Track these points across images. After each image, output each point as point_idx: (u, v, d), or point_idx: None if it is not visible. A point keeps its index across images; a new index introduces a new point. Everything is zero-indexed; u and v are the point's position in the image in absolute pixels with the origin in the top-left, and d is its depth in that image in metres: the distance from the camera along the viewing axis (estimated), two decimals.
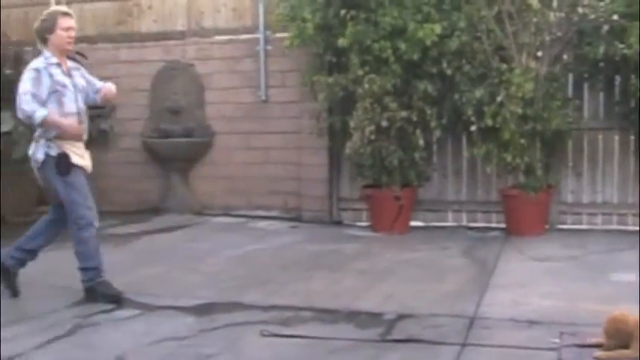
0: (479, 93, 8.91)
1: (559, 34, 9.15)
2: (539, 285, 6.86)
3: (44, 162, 6.52)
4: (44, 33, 6.62)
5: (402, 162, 9.38)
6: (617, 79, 9.51)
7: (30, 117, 6.32)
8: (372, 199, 9.76)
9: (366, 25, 9.10)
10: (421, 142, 9.33)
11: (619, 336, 4.80)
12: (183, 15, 11.40)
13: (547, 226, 9.53)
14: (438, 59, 9.08)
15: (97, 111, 10.40)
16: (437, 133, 9.41)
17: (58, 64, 6.59)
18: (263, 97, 10.86)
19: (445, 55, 9.05)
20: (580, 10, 9.11)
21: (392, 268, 7.67)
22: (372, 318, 5.97)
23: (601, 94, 9.69)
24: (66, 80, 6.59)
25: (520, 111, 8.76)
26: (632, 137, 9.56)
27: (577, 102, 9.57)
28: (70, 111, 6.53)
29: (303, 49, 9.88)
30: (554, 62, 9.20)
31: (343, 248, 8.74)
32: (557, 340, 5.23)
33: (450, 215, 10.22)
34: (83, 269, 6.65)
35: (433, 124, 9.25)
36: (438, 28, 8.83)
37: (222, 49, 11.13)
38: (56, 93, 6.46)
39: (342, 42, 9.11)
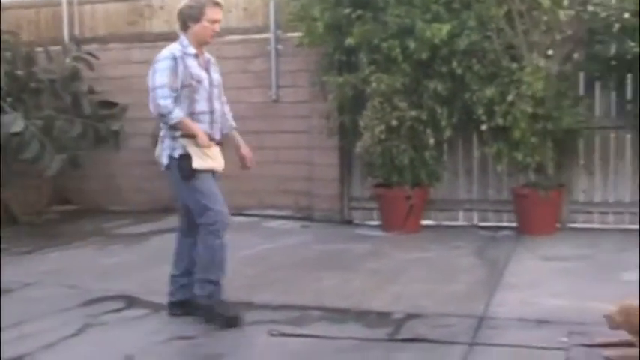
0: (489, 92, 8.90)
1: (570, 32, 9.11)
2: (549, 284, 6.86)
3: (168, 166, 6.01)
4: (188, 20, 6.01)
5: (413, 161, 9.36)
6: (629, 77, 9.49)
7: (164, 115, 5.81)
8: (383, 199, 9.76)
9: (374, 24, 9.10)
10: (432, 141, 9.32)
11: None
12: None
13: (558, 226, 9.50)
14: (448, 58, 9.06)
15: (108, 111, 10.48)
16: (447, 133, 9.37)
17: (196, 56, 6.03)
18: (274, 97, 10.86)
19: (455, 54, 9.03)
20: (591, 8, 9.05)
21: (402, 268, 7.67)
22: (381, 317, 5.99)
23: (612, 93, 9.66)
24: (202, 74, 6.03)
25: (531, 110, 8.72)
26: None
27: (588, 101, 9.54)
28: (201, 110, 5.99)
29: (314, 48, 9.90)
30: (565, 61, 9.17)
31: (354, 248, 8.74)
32: (565, 340, 5.24)
33: (461, 214, 10.21)
34: (203, 281, 5.96)
35: (444, 123, 9.24)
36: (445, 28, 8.82)
37: (233, 49, 11.12)
38: (189, 88, 5.91)
39: (350, 41, 9.12)
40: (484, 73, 9.10)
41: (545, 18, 9.07)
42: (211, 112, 6.05)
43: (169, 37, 11.20)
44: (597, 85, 9.67)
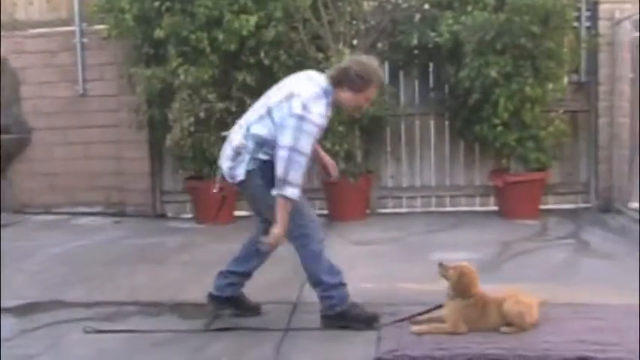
0: None
1: (373, 22, 9.38)
2: (361, 268, 7.00)
3: (244, 180, 5.40)
4: (347, 83, 5.32)
5: None
6: (431, 66, 9.84)
7: (286, 183, 5.14)
8: (195, 191, 9.73)
9: (182, 15, 9.06)
10: None
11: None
12: None
13: (368, 211, 9.76)
14: (256, 49, 9.11)
15: None
16: None
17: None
18: (81, 91, 10.65)
19: (263, 45, 9.08)
20: None
21: (216, 259, 7.56)
22: (197, 309, 5.98)
23: (416, 81, 10.00)
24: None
25: None
26: (447, 122, 9.91)
27: (393, 89, 9.82)
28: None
29: (121, 41, 9.76)
30: (369, 50, 9.33)
31: (167, 241, 8.71)
32: None
33: None
34: (330, 287, 5.54)
35: None
36: (253, 20, 8.86)
37: (36, 43, 10.85)
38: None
39: (158, 33, 9.04)
40: (291, 63, 9.19)
41: (349, 9, 9.31)
42: (311, 158, 5.43)
43: None
44: (401, 74, 9.97)
